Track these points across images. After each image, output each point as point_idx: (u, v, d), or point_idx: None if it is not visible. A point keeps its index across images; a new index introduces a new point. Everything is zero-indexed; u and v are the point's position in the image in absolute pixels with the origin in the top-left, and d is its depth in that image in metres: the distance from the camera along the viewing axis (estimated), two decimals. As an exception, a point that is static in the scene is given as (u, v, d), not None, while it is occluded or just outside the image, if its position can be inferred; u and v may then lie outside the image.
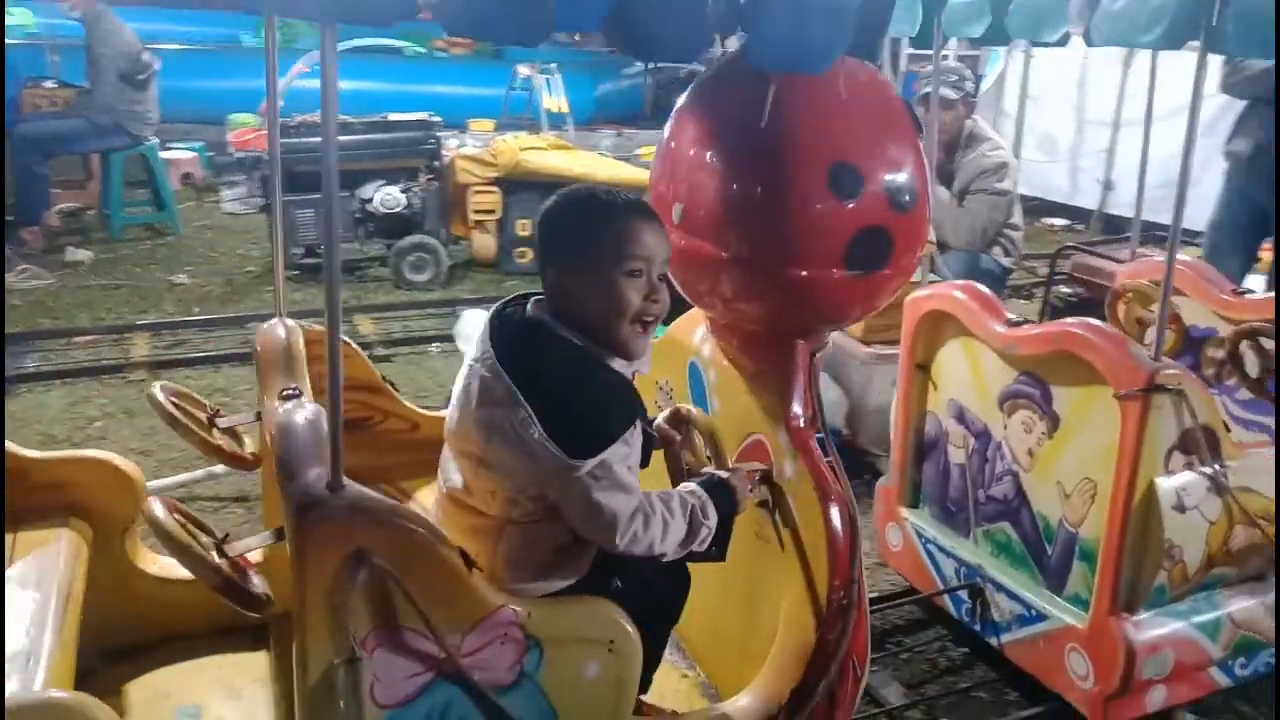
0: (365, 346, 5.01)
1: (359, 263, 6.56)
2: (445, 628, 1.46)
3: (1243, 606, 2.48)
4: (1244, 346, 2.84)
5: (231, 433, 2.17)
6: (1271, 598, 2.50)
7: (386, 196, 6.15)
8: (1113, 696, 2.34)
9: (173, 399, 2.05)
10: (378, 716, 1.46)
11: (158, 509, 1.54)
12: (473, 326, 3.61)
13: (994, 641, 2.67)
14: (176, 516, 1.56)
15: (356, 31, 8.38)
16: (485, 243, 6.59)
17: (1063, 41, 2.65)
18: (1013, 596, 2.61)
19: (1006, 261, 4.66)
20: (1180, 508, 2.30)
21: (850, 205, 1.76)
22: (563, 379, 1.57)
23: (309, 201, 6.05)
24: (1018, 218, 4.79)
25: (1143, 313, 3.10)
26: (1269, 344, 2.76)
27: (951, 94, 4.41)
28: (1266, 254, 4.56)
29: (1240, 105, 4.16)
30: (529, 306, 1.68)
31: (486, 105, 9.60)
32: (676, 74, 12.26)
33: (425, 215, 6.27)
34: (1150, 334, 2.64)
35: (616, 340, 1.62)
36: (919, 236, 1.90)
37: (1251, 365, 2.83)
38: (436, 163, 6.34)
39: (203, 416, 2.11)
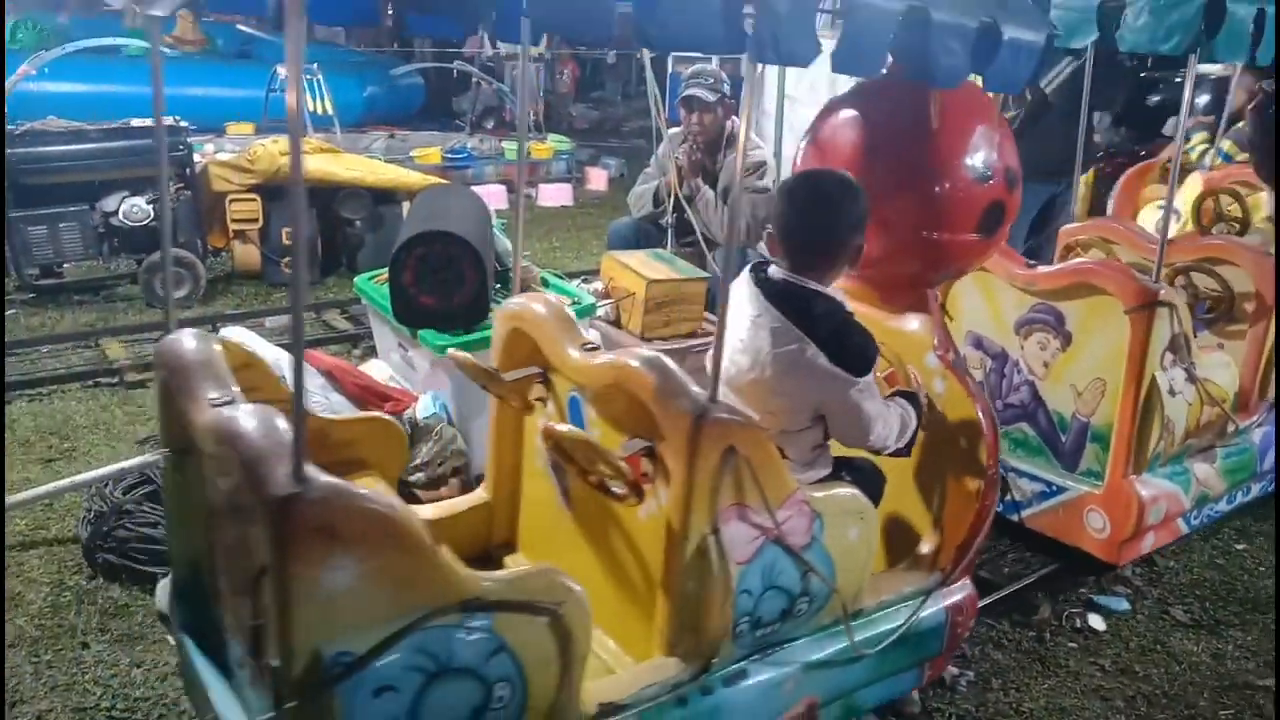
0: (114, 372, 4.64)
1: (104, 281, 6.05)
2: (770, 504, 1.99)
3: (1202, 469, 3.40)
4: (1178, 281, 3.71)
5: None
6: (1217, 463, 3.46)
7: (132, 208, 5.69)
8: (1125, 541, 3.18)
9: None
10: (733, 571, 1.97)
11: (560, 427, 2.08)
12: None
13: (1015, 518, 3.25)
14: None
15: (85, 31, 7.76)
16: (247, 253, 6.24)
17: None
18: (1033, 479, 3.37)
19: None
20: (1172, 393, 3.15)
21: (983, 187, 2.43)
22: (833, 323, 2.18)
23: (41, 216, 5.52)
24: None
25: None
26: (1199, 279, 3.73)
27: (709, 96, 4.58)
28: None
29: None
30: (775, 270, 2.26)
31: (245, 107, 9.10)
32: (450, 74, 12.11)
33: (177, 227, 5.84)
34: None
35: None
36: (1016, 211, 2.56)
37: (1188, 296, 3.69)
38: (188, 170, 5.92)
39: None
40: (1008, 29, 2.11)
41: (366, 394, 3.40)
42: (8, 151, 5.38)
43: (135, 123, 5.87)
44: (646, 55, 4.81)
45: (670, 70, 10.59)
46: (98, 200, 5.69)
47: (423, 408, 3.53)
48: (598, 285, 4.28)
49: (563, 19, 1.84)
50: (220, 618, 1.93)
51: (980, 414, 2.47)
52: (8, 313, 5.52)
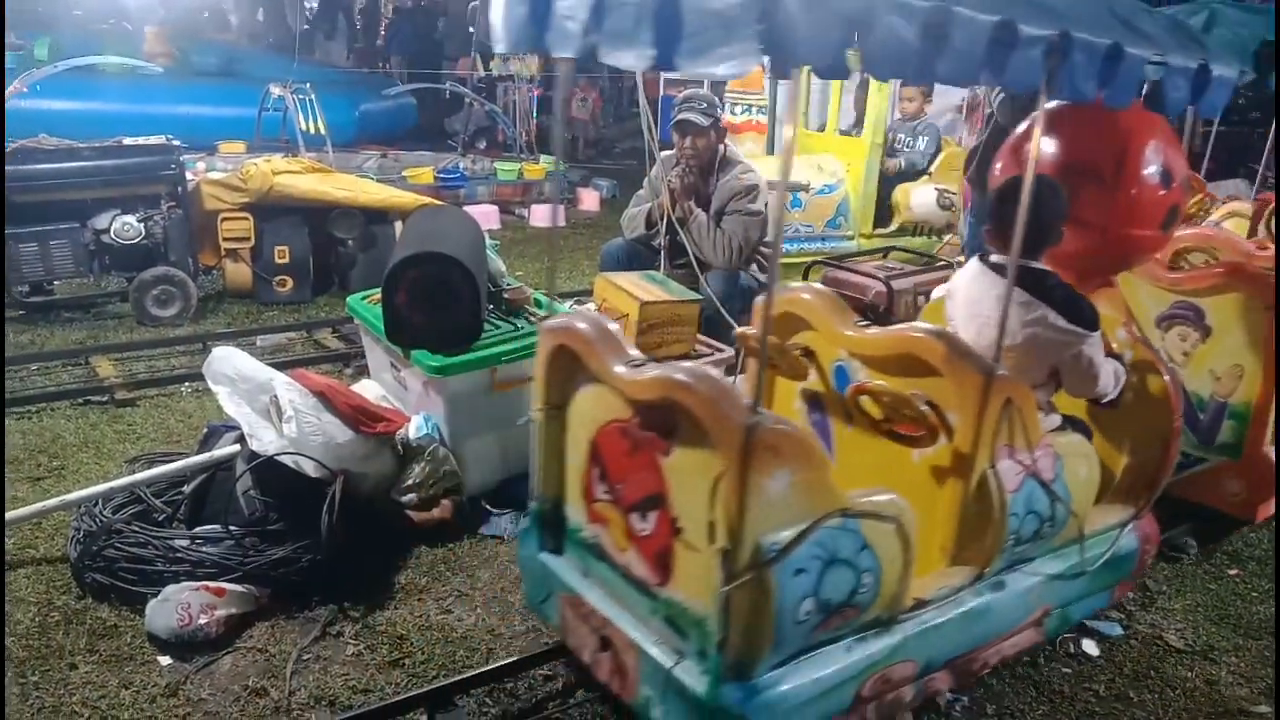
0: (105, 390, 4.61)
1: (95, 299, 6.02)
2: (1030, 446, 2.51)
3: None
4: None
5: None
6: None
7: (124, 226, 5.68)
8: (1258, 501, 3.73)
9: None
10: (1008, 500, 2.45)
11: (876, 384, 2.58)
12: (229, 364, 3.38)
13: None
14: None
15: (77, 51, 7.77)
16: (239, 272, 6.22)
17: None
18: None
19: (764, 278, 4.90)
20: None
21: (1166, 191, 2.96)
22: (1064, 291, 2.67)
23: (32, 234, 5.50)
24: (771, 236, 5.05)
25: None
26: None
27: (703, 120, 4.60)
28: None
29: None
30: (998, 258, 2.71)
31: (237, 126, 9.10)
32: (441, 95, 12.15)
33: (169, 245, 5.82)
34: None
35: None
36: (1184, 213, 3.15)
37: None
38: (180, 189, 5.91)
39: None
40: (1215, 67, 2.54)
41: (359, 414, 3.39)
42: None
43: (127, 141, 5.86)
44: (640, 77, 4.84)
45: (662, 93, 10.68)
46: (89, 218, 5.68)
47: (415, 429, 3.52)
48: (590, 306, 4.28)
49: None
50: (587, 536, 2.52)
51: (1166, 378, 2.93)
52: (-4, 330, 5.50)
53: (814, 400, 2.94)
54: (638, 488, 2.28)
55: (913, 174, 6.84)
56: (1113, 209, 2.93)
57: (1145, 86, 2.50)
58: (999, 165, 3.24)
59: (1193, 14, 3.15)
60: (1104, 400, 2.82)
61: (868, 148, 6.43)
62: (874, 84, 6.33)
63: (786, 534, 2.00)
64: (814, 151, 6.68)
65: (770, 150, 6.86)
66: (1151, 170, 2.94)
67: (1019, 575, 2.64)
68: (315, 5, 14.37)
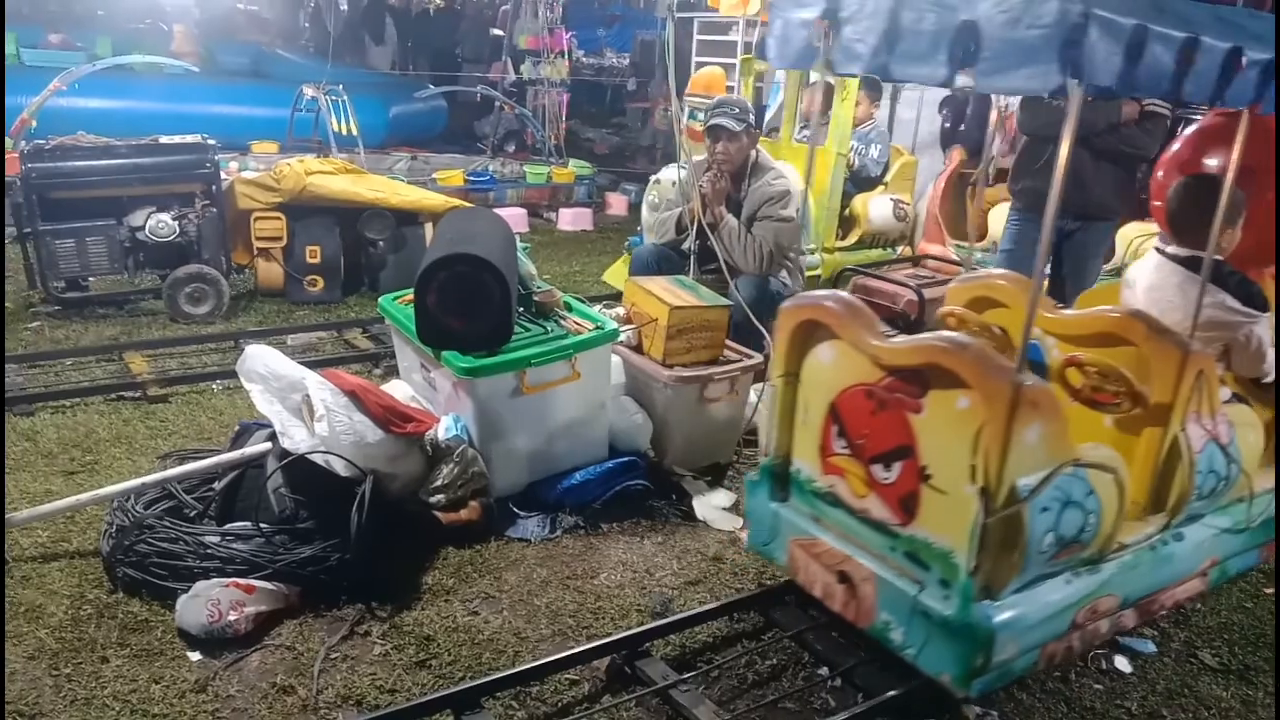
0: (137, 386, 4.66)
1: (129, 295, 6.08)
2: (1212, 412, 2.82)
3: None
4: None
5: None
6: None
7: (158, 224, 5.74)
8: None
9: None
10: (1195, 459, 2.79)
11: (1090, 355, 2.90)
12: (261, 362, 3.41)
13: None
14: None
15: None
16: (271, 271, 6.27)
17: None
18: None
19: (793, 284, 4.88)
20: None
21: None
22: (1237, 277, 2.99)
23: (69, 230, 5.58)
24: (802, 242, 5.04)
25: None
26: None
27: (735, 125, 4.59)
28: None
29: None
30: (1175, 250, 3.07)
31: (269, 127, 9.19)
32: (472, 99, 12.21)
33: (203, 243, 5.88)
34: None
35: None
36: None
37: None
38: (214, 187, 5.97)
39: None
40: None
41: (389, 414, 3.41)
42: (37, 166, 5.45)
43: (163, 139, 5.93)
44: (672, 82, 4.84)
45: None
46: (124, 215, 5.74)
47: (444, 429, 3.53)
48: (619, 310, 4.28)
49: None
50: (820, 486, 2.87)
51: None
52: (33, 324, 5.56)
53: None
54: (882, 441, 2.64)
55: (867, 183, 6.57)
56: (1262, 207, 3.33)
57: None
58: (1160, 173, 3.92)
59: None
60: (1265, 379, 3.08)
61: (833, 158, 5.96)
62: (839, 89, 5.93)
63: (1036, 477, 2.36)
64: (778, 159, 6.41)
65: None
66: None
67: (1196, 527, 2.95)
68: (342, 7, 14.42)
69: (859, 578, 2.72)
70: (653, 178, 6.23)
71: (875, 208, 6.52)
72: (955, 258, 6.11)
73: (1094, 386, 2.90)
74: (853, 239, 6.48)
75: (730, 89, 7.60)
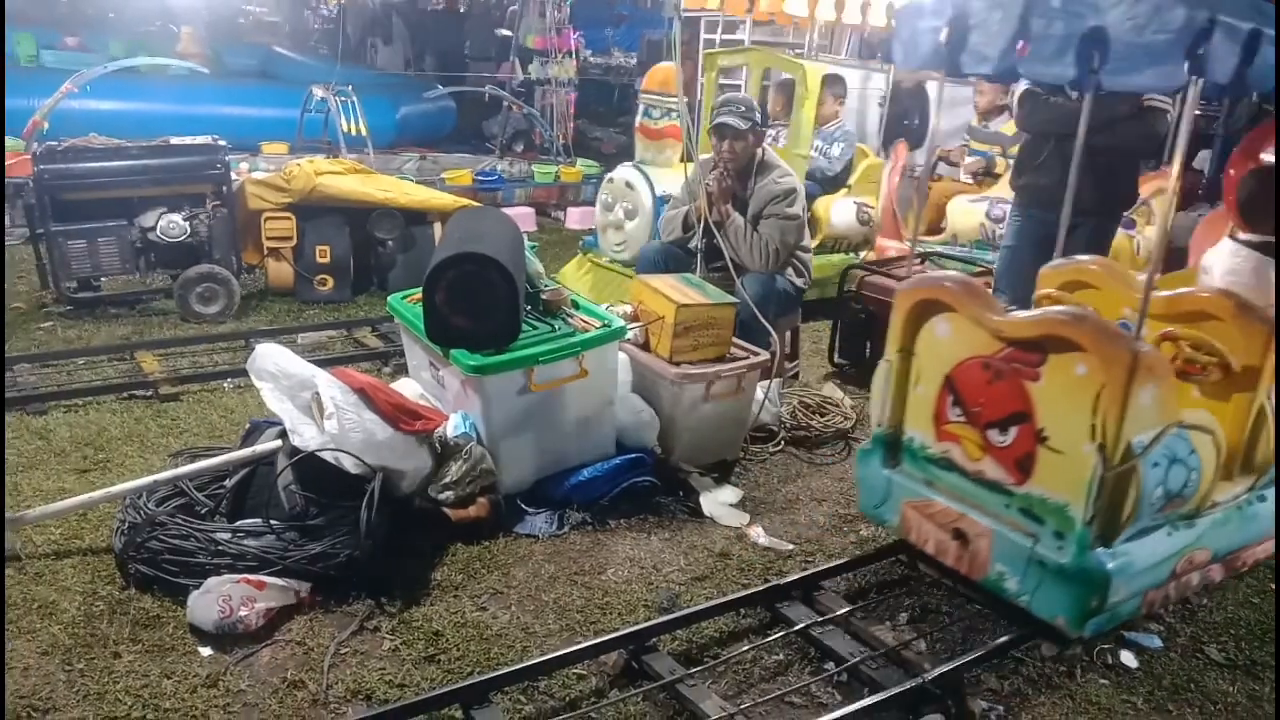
0: (149, 385, 4.69)
1: (140, 295, 6.12)
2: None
3: None
4: None
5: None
6: None
7: (169, 225, 5.78)
8: None
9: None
10: (1272, 424, 3.02)
11: (1183, 329, 3.06)
12: (272, 361, 3.43)
13: None
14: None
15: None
16: (281, 271, 6.31)
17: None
18: None
19: (799, 282, 4.89)
20: None
21: None
22: None
23: (81, 231, 5.62)
24: (808, 240, 5.04)
25: None
26: None
27: (741, 124, 4.61)
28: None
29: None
30: (1246, 236, 3.39)
31: (278, 128, 9.23)
32: (480, 99, 12.23)
33: (213, 244, 5.92)
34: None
35: None
36: None
37: None
38: (225, 188, 6.01)
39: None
40: None
41: (399, 412, 3.43)
42: (49, 167, 5.49)
43: (174, 140, 5.97)
44: (680, 80, 4.85)
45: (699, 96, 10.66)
46: (136, 216, 5.78)
47: (453, 427, 3.55)
48: (626, 308, 4.30)
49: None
50: (934, 453, 3.09)
51: None
52: (46, 324, 5.61)
53: None
54: (999, 408, 2.85)
55: (831, 184, 6.42)
56: None
57: None
58: (1232, 170, 3.91)
59: None
60: None
61: (792, 159, 5.68)
62: (803, 87, 5.82)
63: (1149, 435, 2.58)
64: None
65: (684, 158, 5.73)
66: None
67: (1270, 491, 3.14)
68: (335, 9, 14.42)
69: (974, 534, 2.93)
70: (606, 176, 6.22)
71: (838, 211, 6.35)
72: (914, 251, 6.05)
73: (1186, 359, 3.07)
74: (813, 244, 6.10)
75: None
